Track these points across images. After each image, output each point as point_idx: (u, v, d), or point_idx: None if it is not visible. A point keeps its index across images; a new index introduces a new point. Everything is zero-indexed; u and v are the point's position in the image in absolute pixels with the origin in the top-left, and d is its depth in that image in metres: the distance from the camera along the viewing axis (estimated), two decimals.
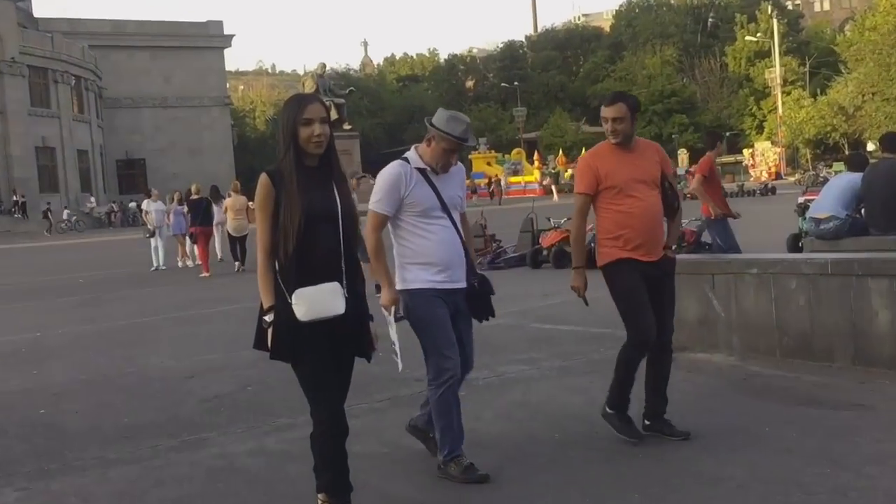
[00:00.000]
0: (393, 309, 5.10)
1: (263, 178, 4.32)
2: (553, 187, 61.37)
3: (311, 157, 4.32)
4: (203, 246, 21.32)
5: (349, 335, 4.38)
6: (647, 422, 5.89)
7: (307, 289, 4.20)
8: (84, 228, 62.29)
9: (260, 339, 4.42)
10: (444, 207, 5.21)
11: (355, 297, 4.33)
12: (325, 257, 4.27)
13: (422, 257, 5.18)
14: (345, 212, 4.32)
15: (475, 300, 5.33)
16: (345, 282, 4.29)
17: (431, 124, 5.20)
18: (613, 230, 5.65)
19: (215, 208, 22.90)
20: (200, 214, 21.45)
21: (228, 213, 21.33)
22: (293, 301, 4.21)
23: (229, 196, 22.03)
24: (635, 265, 5.66)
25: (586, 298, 5.76)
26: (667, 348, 5.83)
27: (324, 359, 4.30)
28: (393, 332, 5.08)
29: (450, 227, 5.22)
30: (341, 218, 4.29)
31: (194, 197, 22.08)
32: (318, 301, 4.19)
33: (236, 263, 21.14)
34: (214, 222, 23.14)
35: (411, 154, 5.30)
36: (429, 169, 5.24)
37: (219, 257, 23.67)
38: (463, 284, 5.25)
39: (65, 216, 63.32)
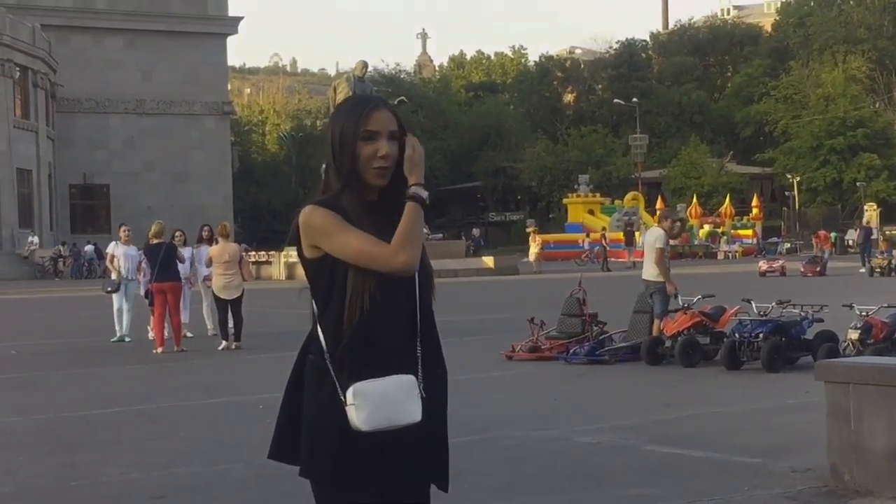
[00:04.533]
0: None
1: (317, 211, 4.16)
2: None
3: (370, 188, 4.21)
4: (159, 309, 21.42)
5: (416, 453, 4.20)
6: None
7: (371, 383, 4.05)
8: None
9: (284, 444, 4.27)
10: None
11: (435, 396, 4.20)
12: (397, 337, 4.15)
13: None
14: (423, 272, 4.21)
15: None
16: (420, 374, 4.15)
17: None
18: None
19: (194, 258, 23.04)
20: (157, 266, 21.45)
21: (214, 267, 21.41)
22: (349, 400, 4.07)
23: (216, 242, 22.15)
24: None
25: None
26: None
27: (374, 490, 4.15)
28: None
29: None
30: (418, 280, 4.19)
31: (153, 242, 21.96)
32: (387, 403, 4.04)
33: (224, 342, 21.22)
34: (200, 277, 23.27)
35: None
36: None
37: (209, 329, 23.79)
38: None
39: None
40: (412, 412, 4.05)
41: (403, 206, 4.11)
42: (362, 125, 4.13)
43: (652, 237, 18.42)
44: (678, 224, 19.45)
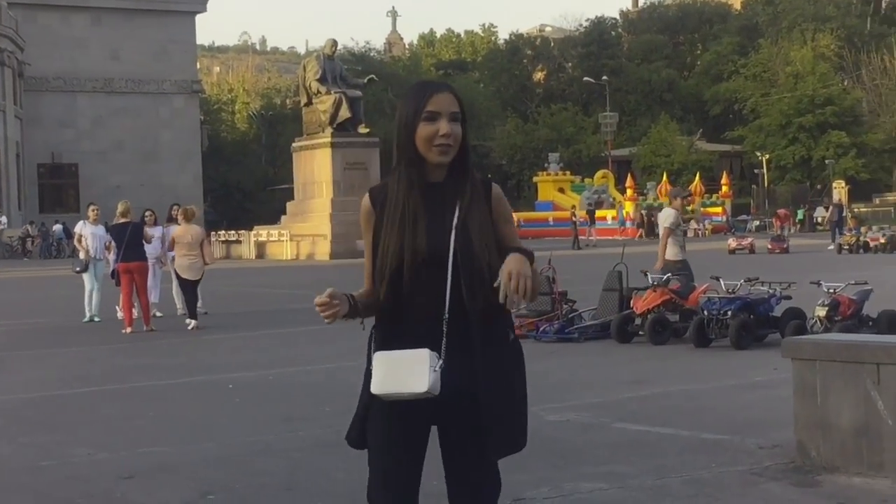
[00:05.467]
0: None
1: (363, 199, 4.48)
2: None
3: (436, 168, 4.38)
4: (126, 289, 21.43)
5: (438, 423, 4.50)
6: None
7: (388, 352, 4.31)
8: None
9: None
10: None
11: (467, 373, 4.34)
12: (426, 316, 4.33)
13: None
14: (461, 253, 4.32)
15: None
16: (443, 350, 4.28)
17: None
18: None
19: (159, 238, 23.11)
20: (123, 246, 21.43)
21: (177, 248, 21.51)
22: (373, 365, 4.33)
23: (178, 224, 22.21)
24: None
25: None
26: None
27: (394, 456, 4.45)
28: None
29: None
30: (451, 263, 4.30)
31: (119, 221, 21.92)
32: (396, 371, 4.25)
33: (192, 321, 21.22)
34: (170, 257, 23.38)
35: None
36: None
37: (178, 309, 23.78)
38: None
39: None
40: (418, 383, 4.21)
41: (461, 186, 4.37)
42: (423, 106, 4.33)
43: (662, 216, 18.83)
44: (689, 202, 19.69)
